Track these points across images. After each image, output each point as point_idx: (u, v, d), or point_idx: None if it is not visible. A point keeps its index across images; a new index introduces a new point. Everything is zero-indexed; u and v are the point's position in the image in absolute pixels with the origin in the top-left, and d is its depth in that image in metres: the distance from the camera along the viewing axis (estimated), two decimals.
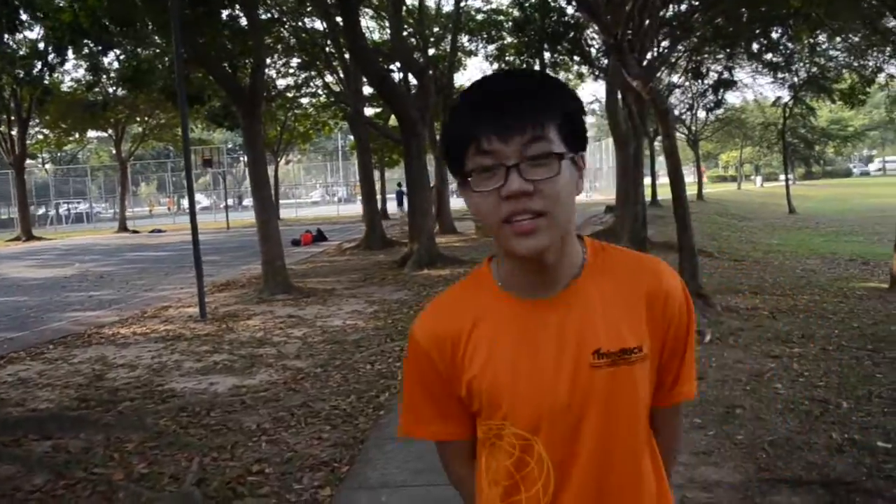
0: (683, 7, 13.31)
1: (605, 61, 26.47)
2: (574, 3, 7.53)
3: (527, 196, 1.04)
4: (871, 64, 16.20)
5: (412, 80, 17.98)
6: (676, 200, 7.54)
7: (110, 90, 28.37)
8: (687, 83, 29.69)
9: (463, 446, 1.29)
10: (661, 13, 8.36)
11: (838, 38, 19.77)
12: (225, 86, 11.12)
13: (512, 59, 31.74)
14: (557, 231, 1.09)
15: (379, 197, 34.05)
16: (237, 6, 11.22)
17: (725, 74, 26.05)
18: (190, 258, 14.99)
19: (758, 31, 23.22)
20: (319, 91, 31.25)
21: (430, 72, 15.87)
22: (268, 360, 6.88)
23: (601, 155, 46.80)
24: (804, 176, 53.21)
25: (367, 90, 28.04)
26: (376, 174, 36.82)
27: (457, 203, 35.98)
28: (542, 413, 1.14)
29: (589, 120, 64.93)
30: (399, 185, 35.46)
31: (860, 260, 14.71)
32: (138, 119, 33.65)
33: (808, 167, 45.86)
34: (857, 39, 16.71)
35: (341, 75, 20.31)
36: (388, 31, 19.62)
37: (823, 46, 23.25)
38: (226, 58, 11.43)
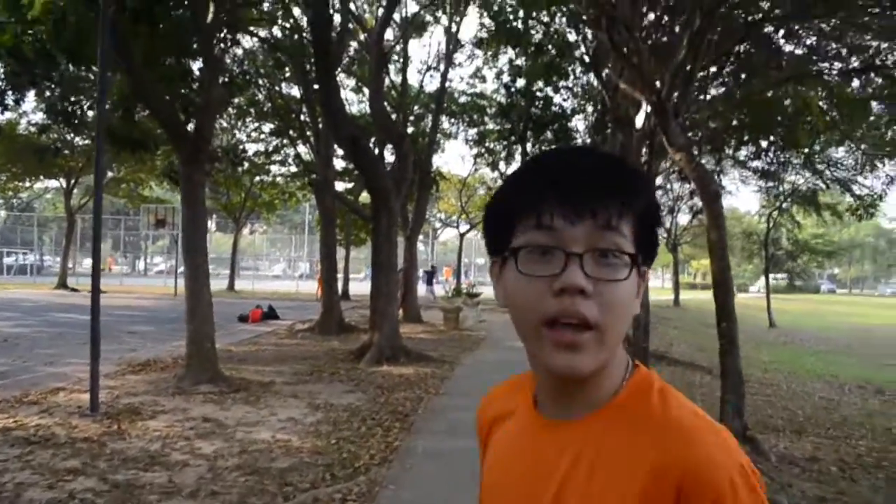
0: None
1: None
2: (612, 49, 5.90)
3: (583, 295, 0.83)
4: (882, 174, 15.13)
5: (388, 157, 16.55)
6: (722, 311, 5.82)
7: (67, 136, 26.70)
8: (668, 185, 28.86)
9: None
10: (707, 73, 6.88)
11: (841, 150, 18.88)
12: (164, 123, 9.31)
13: (493, 144, 30.80)
14: (605, 353, 0.86)
15: (341, 276, 32.40)
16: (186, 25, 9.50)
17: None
18: (124, 325, 12.86)
19: (746, 139, 22.48)
20: (290, 160, 29.90)
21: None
22: (150, 496, 4.80)
23: None
24: (783, 289, 52.64)
25: (339, 164, 26.92)
26: (341, 252, 35.15)
27: (420, 289, 34.29)
28: None
29: None
30: (433, 266, 33.89)
31: (871, 387, 13.27)
32: (91, 171, 31.65)
33: (790, 280, 45.27)
34: (864, 147, 15.62)
35: (313, 142, 18.73)
36: (367, 101, 18.23)
37: (818, 157, 22.55)
38: (170, 90, 9.66)
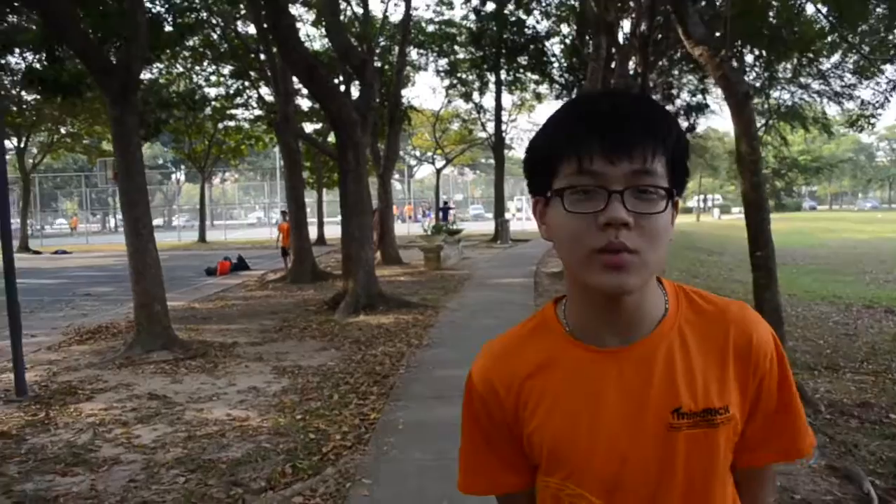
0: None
1: (570, 77, 24.26)
2: None
3: (625, 227, 0.93)
4: (884, 80, 14.05)
5: (355, 94, 15.19)
6: (757, 236, 4.82)
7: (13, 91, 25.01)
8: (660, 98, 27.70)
9: (524, 499, 1.13)
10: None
11: (834, 59, 17.79)
12: (81, 55, 8.03)
13: (465, 75, 29.30)
14: (647, 273, 0.97)
15: (315, 221, 31.20)
16: None
17: (699, 97, 23.98)
18: (81, 287, 11.90)
19: (735, 52, 21.29)
20: (253, 103, 28.38)
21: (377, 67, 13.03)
22: None
23: None
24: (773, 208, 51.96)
25: (306, 104, 25.38)
26: (313, 195, 33.82)
27: (401, 229, 33.19)
28: (612, 476, 1.01)
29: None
30: (446, 202, 33.72)
31: (878, 308, 12.53)
32: (44, 127, 29.97)
33: (778, 200, 44.53)
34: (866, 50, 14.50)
35: (272, 80, 17.30)
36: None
37: (806, 70, 21.48)
38: (92, 24, 8.33)
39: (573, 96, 23.83)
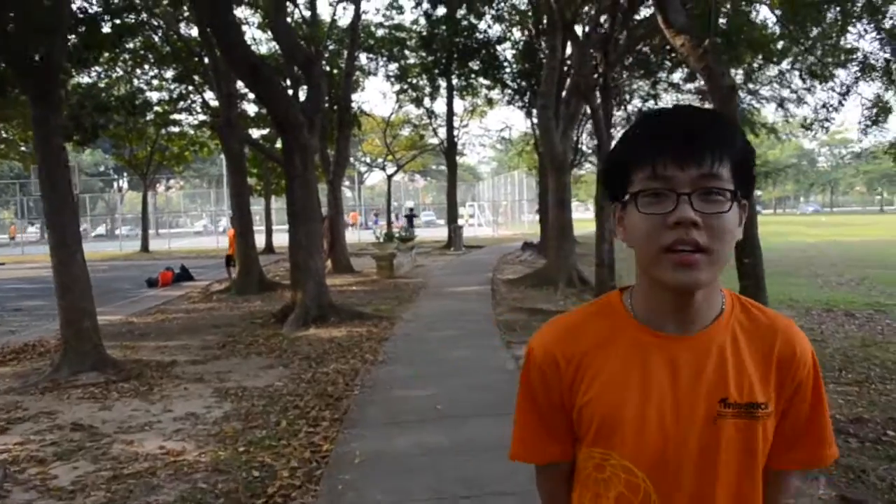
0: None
1: (522, 82, 23.99)
2: None
3: (694, 227, 1.02)
4: (838, 83, 14.06)
5: (302, 97, 14.56)
6: (744, 242, 4.46)
7: None
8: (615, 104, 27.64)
9: (565, 469, 1.23)
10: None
11: (783, 66, 17.90)
12: (3, 54, 7.32)
13: (416, 80, 28.83)
14: (715, 270, 1.05)
15: (262, 229, 30.29)
16: None
17: (650, 103, 24.00)
18: (11, 301, 11.11)
19: (679, 60, 21.33)
20: (198, 108, 27.43)
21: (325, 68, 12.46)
22: None
23: (505, 189, 44.53)
24: None
25: (253, 109, 24.55)
26: (262, 203, 32.88)
27: (352, 236, 32.46)
28: (656, 452, 1.09)
29: (489, 153, 63.23)
30: (411, 209, 33.29)
31: (837, 311, 12.44)
32: None
33: None
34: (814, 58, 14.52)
35: (214, 82, 16.56)
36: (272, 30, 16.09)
37: (759, 75, 21.66)
38: (9, 16, 7.60)
39: (527, 100, 23.64)
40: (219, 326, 10.35)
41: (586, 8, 11.30)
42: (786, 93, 22.42)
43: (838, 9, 12.85)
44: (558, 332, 1.18)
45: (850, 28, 13.60)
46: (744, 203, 1.08)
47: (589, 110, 9.95)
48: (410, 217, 32.43)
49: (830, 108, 14.01)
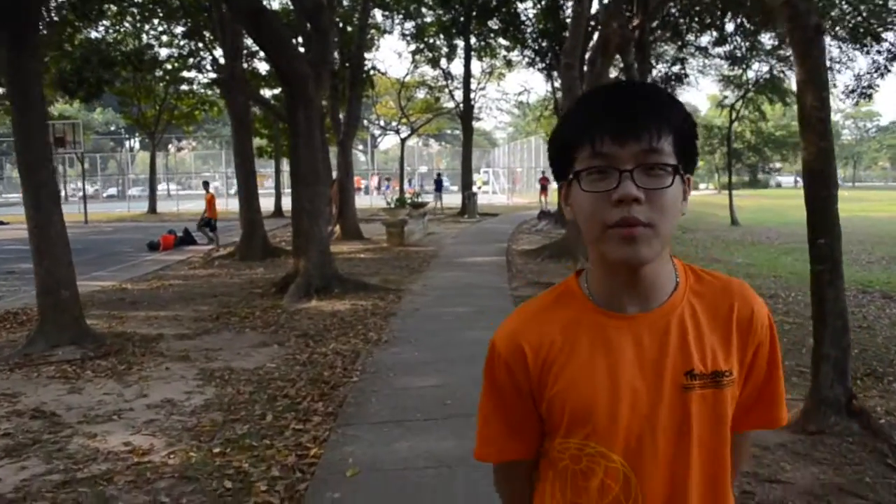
0: None
1: (544, 43, 22.91)
2: None
3: (637, 203, 1.02)
4: (884, 48, 13.00)
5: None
6: (821, 219, 3.67)
7: None
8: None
9: (527, 466, 1.21)
10: None
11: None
12: None
13: (432, 39, 27.77)
14: (659, 244, 1.05)
15: (272, 192, 29.59)
16: None
17: (676, 67, 22.92)
18: (6, 263, 10.62)
19: (709, 22, 20.24)
20: (207, 66, 26.61)
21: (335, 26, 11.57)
22: None
23: (521, 155, 43.47)
24: (745, 184, 50.99)
25: (264, 67, 23.68)
26: (270, 165, 32.15)
27: (363, 201, 31.71)
28: (633, 434, 1.08)
29: (505, 118, 62.02)
30: (439, 173, 32.79)
31: (875, 292, 11.66)
32: None
33: (753, 176, 43.73)
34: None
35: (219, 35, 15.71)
36: None
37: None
38: None
39: (548, 62, 22.60)
40: (215, 296, 9.69)
41: None
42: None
43: None
44: (522, 323, 1.16)
45: None
46: (687, 177, 1.09)
47: (621, 69, 9.06)
48: (439, 182, 31.69)
49: (875, 75, 13.02)
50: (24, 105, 6.77)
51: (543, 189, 29.36)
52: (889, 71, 12.90)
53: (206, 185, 17.97)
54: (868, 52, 13.40)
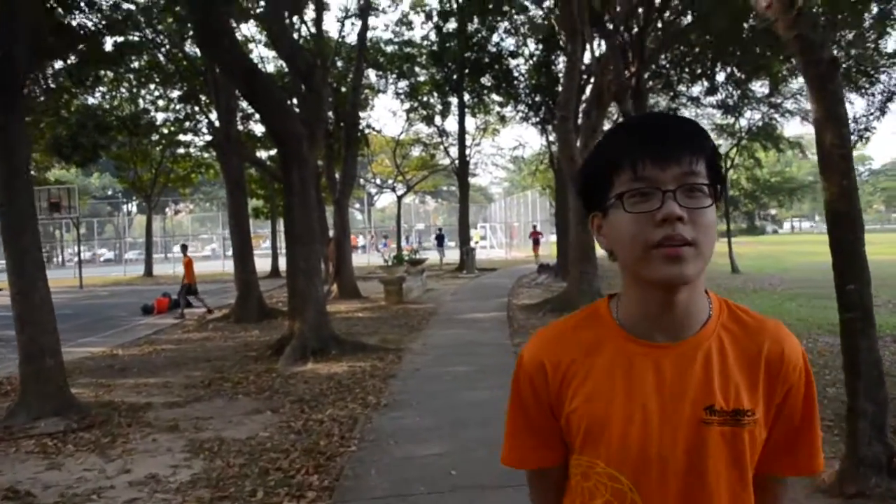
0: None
1: (536, 97, 23.05)
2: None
3: (680, 222, 1.03)
4: (877, 91, 13.00)
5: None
6: (849, 264, 3.42)
7: None
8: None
9: (555, 475, 1.23)
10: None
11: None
12: None
13: (426, 97, 27.99)
14: (701, 264, 1.06)
15: (268, 252, 29.39)
16: None
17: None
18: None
19: (700, 72, 20.38)
20: (203, 129, 26.77)
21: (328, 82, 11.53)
22: None
23: (518, 210, 43.50)
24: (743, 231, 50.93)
25: (260, 129, 23.75)
26: (267, 226, 32.03)
27: (360, 259, 31.47)
28: (643, 460, 1.09)
29: (501, 174, 62.37)
30: (440, 229, 32.78)
31: (887, 335, 11.37)
32: None
33: (751, 222, 43.70)
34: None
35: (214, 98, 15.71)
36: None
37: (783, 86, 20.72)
38: None
39: (542, 116, 22.70)
40: (209, 360, 9.37)
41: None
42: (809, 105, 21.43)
43: (879, 7, 11.89)
44: (547, 340, 1.18)
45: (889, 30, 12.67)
46: (718, 204, 1.09)
47: (614, 120, 8.95)
48: (441, 237, 31.56)
49: (872, 117, 12.98)
50: (10, 166, 6.58)
51: (536, 243, 29.35)
52: (885, 112, 12.86)
53: (184, 248, 17.87)
54: (864, 94, 13.36)
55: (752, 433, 1.08)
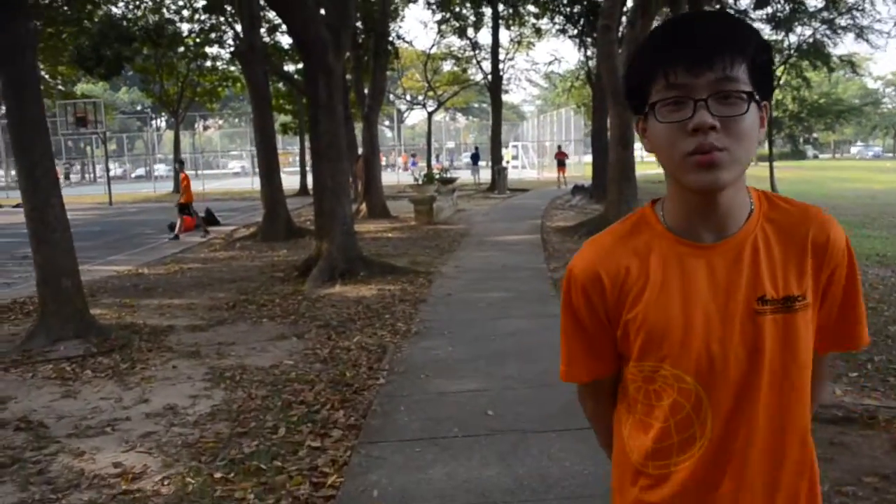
0: None
1: (576, 7, 21.90)
2: None
3: (713, 131, 1.02)
4: None
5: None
6: None
7: None
8: None
9: (608, 385, 1.25)
10: None
11: None
12: None
13: (458, 8, 26.82)
14: (737, 170, 1.05)
15: (297, 170, 29.02)
16: None
17: None
18: (23, 247, 10.40)
19: None
20: (229, 40, 26.00)
21: None
22: None
23: (551, 129, 42.36)
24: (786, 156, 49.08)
25: (288, 40, 22.98)
26: (296, 142, 31.54)
27: (390, 177, 30.97)
28: (706, 357, 1.10)
29: (533, 91, 60.65)
30: (476, 147, 32.17)
31: None
32: None
33: (795, 147, 42.01)
34: None
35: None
36: None
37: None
38: None
39: (581, 28, 21.60)
40: (234, 281, 9.12)
41: None
42: (867, 21, 20.12)
43: None
44: (598, 250, 1.17)
45: None
46: (764, 104, 1.07)
47: None
48: (476, 156, 30.78)
49: None
50: (16, 76, 6.16)
51: (561, 164, 27.49)
52: None
53: (181, 164, 17.42)
54: None
55: (804, 317, 1.11)
